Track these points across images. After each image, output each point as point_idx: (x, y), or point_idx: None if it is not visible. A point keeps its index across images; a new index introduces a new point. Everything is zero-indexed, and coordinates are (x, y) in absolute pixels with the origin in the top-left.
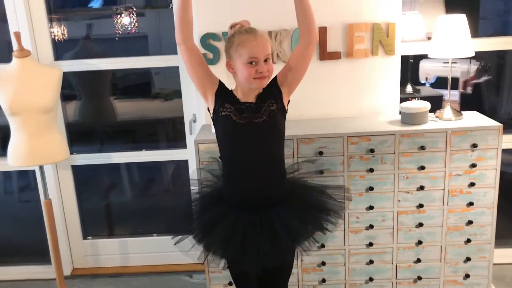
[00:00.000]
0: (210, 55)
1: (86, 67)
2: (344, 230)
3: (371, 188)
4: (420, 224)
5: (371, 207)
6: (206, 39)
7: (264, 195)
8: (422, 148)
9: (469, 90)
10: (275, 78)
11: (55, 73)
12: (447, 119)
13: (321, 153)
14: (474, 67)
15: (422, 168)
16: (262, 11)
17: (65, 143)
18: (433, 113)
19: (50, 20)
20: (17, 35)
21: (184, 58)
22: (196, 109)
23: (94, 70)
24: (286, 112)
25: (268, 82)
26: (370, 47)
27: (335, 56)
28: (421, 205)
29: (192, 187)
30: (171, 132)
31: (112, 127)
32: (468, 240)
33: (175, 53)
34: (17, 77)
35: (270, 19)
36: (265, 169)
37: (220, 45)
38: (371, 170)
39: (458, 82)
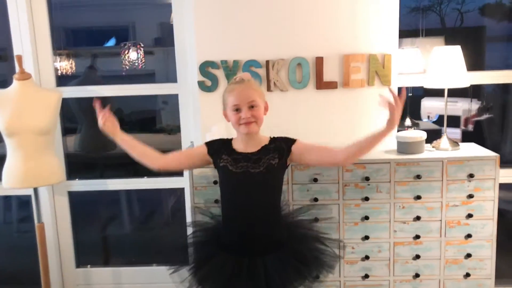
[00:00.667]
0: (209, 83)
1: (86, 93)
2: (340, 260)
3: (366, 218)
4: (417, 256)
5: (366, 237)
6: (205, 67)
7: (256, 242)
8: (418, 177)
9: (470, 127)
10: (294, 140)
11: (54, 96)
12: (444, 149)
13: (315, 180)
14: (475, 105)
15: (418, 197)
16: (260, 40)
17: (62, 166)
18: (429, 144)
19: (58, 54)
20: (19, 58)
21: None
22: (194, 136)
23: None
24: (287, 167)
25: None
26: (366, 78)
27: (332, 85)
28: (417, 236)
29: (189, 228)
30: None
31: (114, 159)
32: (467, 275)
33: (176, 80)
34: (16, 99)
35: (268, 48)
36: (259, 217)
37: (219, 73)
38: (367, 199)
39: (460, 120)
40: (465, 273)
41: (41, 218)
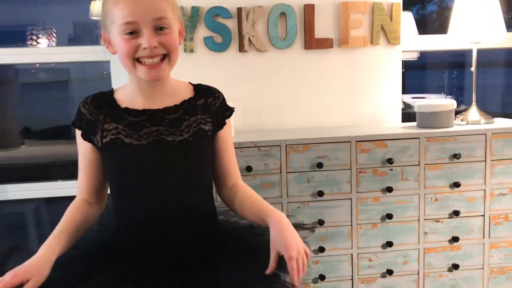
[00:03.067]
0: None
1: None
2: (352, 279)
3: (389, 216)
4: (455, 266)
5: (389, 244)
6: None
7: (183, 248)
8: (455, 156)
9: None
10: (232, 110)
11: None
12: (475, 122)
13: (320, 165)
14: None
15: (456, 185)
16: None
17: None
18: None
19: None
20: None
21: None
22: None
23: None
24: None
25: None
26: (369, 34)
27: (325, 44)
28: (455, 239)
29: None
30: None
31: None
32: None
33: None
34: None
35: None
36: (182, 211)
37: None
38: (389, 190)
39: None
40: None
41: None
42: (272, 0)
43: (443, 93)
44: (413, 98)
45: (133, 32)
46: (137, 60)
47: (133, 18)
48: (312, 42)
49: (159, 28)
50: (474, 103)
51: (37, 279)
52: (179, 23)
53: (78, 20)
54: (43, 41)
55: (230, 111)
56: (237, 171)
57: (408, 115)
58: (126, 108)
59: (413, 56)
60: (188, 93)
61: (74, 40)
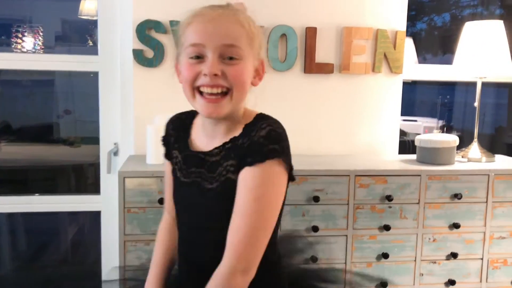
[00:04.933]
0: (150, 53)
1: None
2: None
3: (385, 256)
4: None
5: (383, 285)
6: (145, 29)
7: None
8: (456, 196)
9: None
10: (268, 155)
11: None
12: (476, 160)
13: (316, 198)
14: (430, 123)
15: (456, 226)
16: None
17: None
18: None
19: None
20: None
21: None
22: (121, 135)
23: None
24: None
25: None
26: (371, 61)
27: (326, 69)
28: (452, 282)
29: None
30: (81, 179)
31: None
32: None
33: (96, 52)
34: None
35: None
36: (197, 267)
37: (166, 40)
38: (387, 228)
39: None
40: None
41: None
42: (273, 20)
43: (437, 118)
44: (404, 120)
45: (199, 57)
46: (198, 90)
47: (200, 40)
48: (312, 66)
49: (227, 58)
50: (475, 140)
51: None
52: (257, 60)
53: (67, 18)
54: (29, 40)
55: (255, 157)
56: (231, 251)
57: (402, 143)
58: (189, 143)
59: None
60: (239, 130)
61: (62, 39)
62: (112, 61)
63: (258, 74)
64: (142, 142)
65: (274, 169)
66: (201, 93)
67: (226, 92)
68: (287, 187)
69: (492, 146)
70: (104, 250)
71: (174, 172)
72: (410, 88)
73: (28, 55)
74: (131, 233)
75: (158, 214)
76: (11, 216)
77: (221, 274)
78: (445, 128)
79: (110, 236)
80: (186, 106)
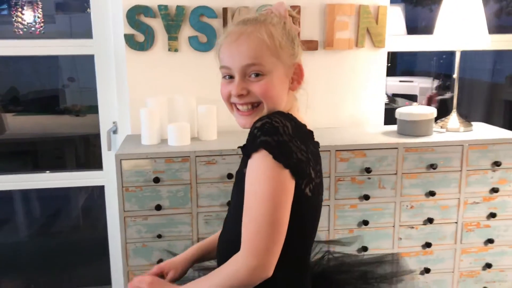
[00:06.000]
0: (140, 37)
1: None
2: None
3: (365, 222)
4: (427, 270)
5: (364, 248)
6: (135, 14)
7: None
8: (432, 167)
9: (434, 106)
10: (260, 145)
11: None
12: (454, 129)
13: None
14: (428, 84)
15: (432, 194)
16: None
17: None
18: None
19: None
20: None
21: None
22: (118, 114)
23: None
24: None
25: (260, 123)
26: (354, 37)
27: (310, 46)
28: (428, 244)
29: None
30: (83, 152)
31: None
32: None
33: (90, 36)
34: None
35: None
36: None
37: (156, 24)
38: (366, 197)
39: (416, 99)
40: None
41: None
42: (257, 0)
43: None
44: (400, 81)
45: (231, 77)
46: (234, 105)
47: (226, 63)
48: None
49: (253, 75)
50: (454, 110)
51: (174, 273)
52: (290, 67)
53: None
54: (28, 13)
55: (249, 150)
56: (242, 237)
57: (392, 111)
58: None
59: None
60: None
61: (61, 8)
62: (106, 45)
63: (296, 79)
64: (138, 122)
65: (266, 162)
66: (237, 107)
67: (258, 105)
68: (302, 187)
69: (491, 103)
70: (109, 221)
71: None
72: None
73: (23, 41)
74: (130, 209)
75: (154, 192)
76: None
77: (231, 263)
78: (440, 88)
79: (113, 208)
80: (177, 89)
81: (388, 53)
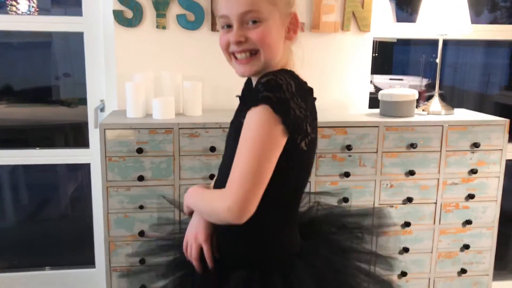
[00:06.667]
0: (129, 13)
1: None
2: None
3: (345, 200)
4: (405, 250)
5: (345, 200)
6: None
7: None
8: (412, 146)
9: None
10: (261, 99)
11: None
12: (436, 112)
13: None
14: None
15: (411, 173)
16: None
17: None
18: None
19: None
20: None
21: None
22: (106, 93)
23: None
24: None
25: (259, 69)
26: (340, 20)
27: None
28: (407, 224)
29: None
30: (72, 136)
31: None
32: (463, 271)
33: (80, 13)
34: None
35: None
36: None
37: (144, 1)
38: (347, 175)
39: None
40: (459, 269)
41: None
42: None
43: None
44: (391, 79)
45: (230, 26)
46: (233, 54)
47: (224, 11)
48: None
49: (251, 22)
50: (436, 94)
51: None
52: (286, 16)
53: None
54: (23, 2)
55: (251, 102)
56: (230, 178)
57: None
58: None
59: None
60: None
61: (57, 2)
62: (95, 22)
63: (292, 29)
64: (124, 99)
65: (264, 116)
66: (235, 56)
67: (256, 53)
68: (297, 142)
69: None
70: (94, 198)
71: None
72: (404, 49)
73: (12, 16)
74: (113, 179)
75: (137, 163)
76: (12, 170)
77: (215, 196)
78: (428, 87)
79: (99, 188)
80: (164, 65)
81: (376, 41)
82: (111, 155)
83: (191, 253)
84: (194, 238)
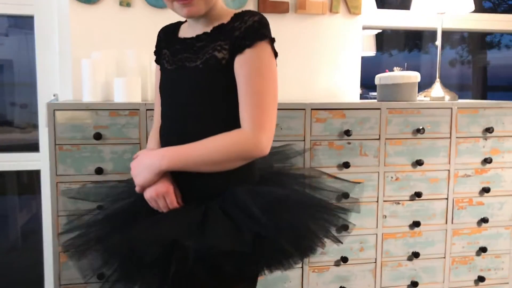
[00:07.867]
0: None
1: None
2: (302, 267)
3: (345, 196)
4: (415, 255)
5: (344, 227)
6: None
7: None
8: (419, 131)
9: None
10: (264, 35)
11: None
12: (439, 98)
13: None
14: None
15: (419, 163)
16: None
17: None
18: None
19: None
20: None
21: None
22: (60, 84)
23: None
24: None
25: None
26: (328, 0)
27: (281, 8)
28: (416, 224)
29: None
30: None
31: None
32: (480, 279)
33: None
34: None
35: None
36: (178, 139)
37: None
38: (346, 165)
39: None
40: (476, 277)
41: None
42: None
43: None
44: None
45: None
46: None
47: None
48: (266, 5)
49: None
50: (438, 79)
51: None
52: None
53: None
54: None
55: (253, 39)
56: (245, 116)
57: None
58: (177, 37)
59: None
60: (225, 20)
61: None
62: (48, 2)
63: None
64: (81, 87)
65: (268, 50)
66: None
67: None
68: None
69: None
70: (44, 207)
71: (162, 66)
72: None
73: None
74: (64, 173)
75: (94, 152)
76: None
77: (235, 135)
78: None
79: (49, 199)
80: (122, 43)
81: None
82: (61, 143)
83: (164, 206)
84: (158, 194)
